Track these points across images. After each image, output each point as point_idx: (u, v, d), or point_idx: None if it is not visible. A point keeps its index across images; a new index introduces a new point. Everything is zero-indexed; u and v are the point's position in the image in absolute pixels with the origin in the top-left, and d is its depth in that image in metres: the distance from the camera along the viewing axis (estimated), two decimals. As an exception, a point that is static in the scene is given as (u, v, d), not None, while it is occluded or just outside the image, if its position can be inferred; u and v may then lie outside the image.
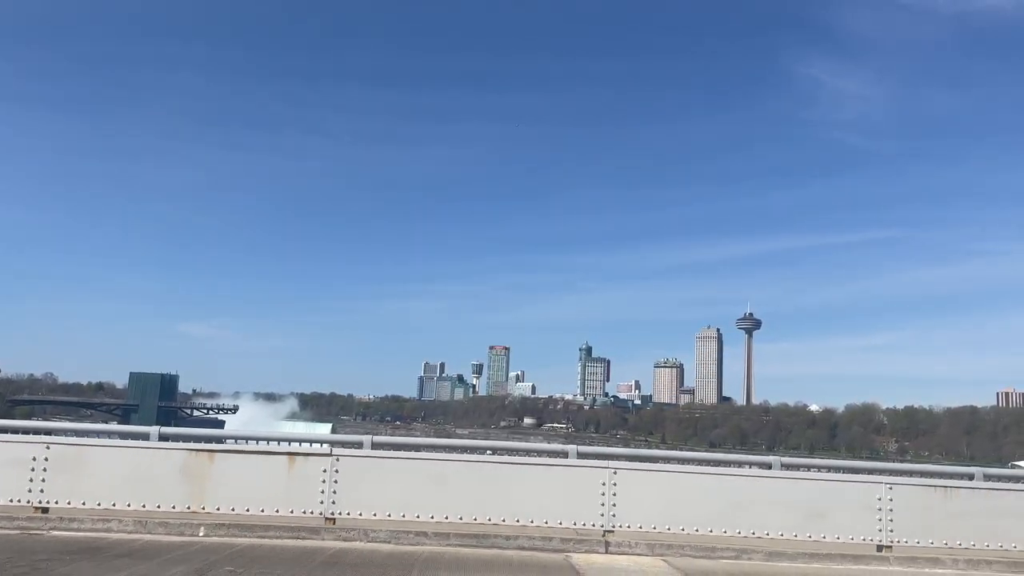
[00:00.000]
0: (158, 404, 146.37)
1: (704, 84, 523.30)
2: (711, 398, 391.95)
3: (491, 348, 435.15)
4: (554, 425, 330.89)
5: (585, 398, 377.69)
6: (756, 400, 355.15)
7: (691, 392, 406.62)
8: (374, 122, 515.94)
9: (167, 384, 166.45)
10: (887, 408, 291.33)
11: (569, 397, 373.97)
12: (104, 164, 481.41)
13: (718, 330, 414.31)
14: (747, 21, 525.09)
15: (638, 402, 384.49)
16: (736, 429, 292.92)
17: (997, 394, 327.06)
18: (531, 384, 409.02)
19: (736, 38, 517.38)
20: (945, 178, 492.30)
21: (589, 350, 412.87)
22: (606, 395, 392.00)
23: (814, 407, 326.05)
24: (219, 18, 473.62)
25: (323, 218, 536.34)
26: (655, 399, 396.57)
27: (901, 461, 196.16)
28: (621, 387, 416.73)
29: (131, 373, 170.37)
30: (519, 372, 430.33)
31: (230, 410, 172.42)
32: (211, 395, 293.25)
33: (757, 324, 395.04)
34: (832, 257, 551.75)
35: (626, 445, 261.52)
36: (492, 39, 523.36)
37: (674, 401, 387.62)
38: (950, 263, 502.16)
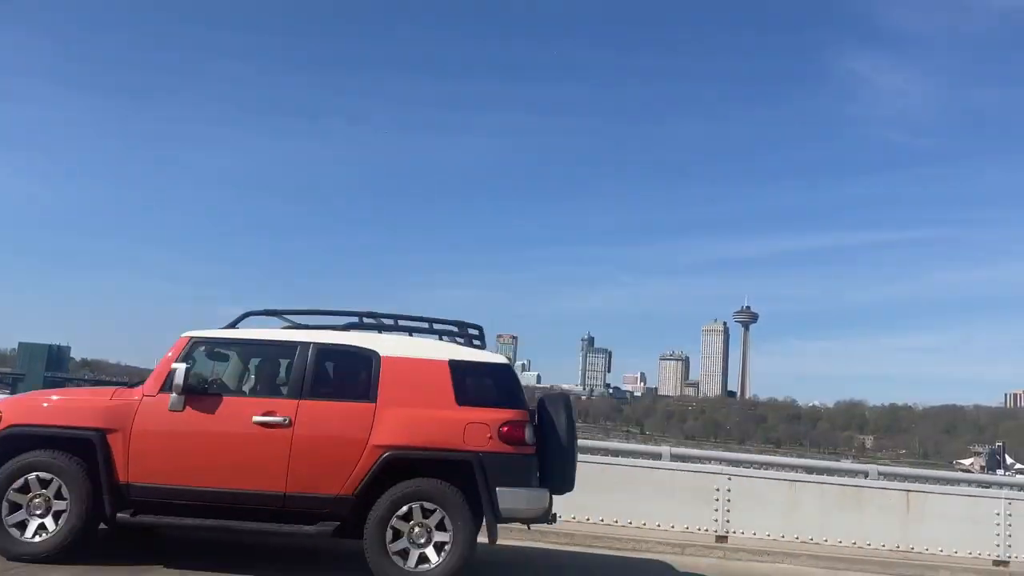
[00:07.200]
0: (44, 374, 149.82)
1: (740, 79, 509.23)
2: (716, 391, 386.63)
3: (499, 336, 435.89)
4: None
5: (584, 388, 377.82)
6: (754, 394, 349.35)
7: (696, 385, 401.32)
8: (411, 111, 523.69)
9: (55, 355, 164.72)
10: (873, 406, 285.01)
11: (568, 387, 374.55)
12: (151, 149, 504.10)
13: (724, 323, 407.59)
14: (788, 14, 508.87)
15: (638, 394, 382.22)
16: (710, 421, 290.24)
17: (1005, 395, 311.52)
18: (536, 373, 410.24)
19: (776, 32, 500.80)
20: (991, 178, 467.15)
21: (591, 340, 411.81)
22: (607, 386, 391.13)
23: (815, 403, 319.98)
24: (263, 5, 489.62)
25: (356, 207, 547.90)
26: (660, 392, 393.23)
27: (858, 459, 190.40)
28: (627, 379, 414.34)
29: (20, 343, 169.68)
30: (525, 361, 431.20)
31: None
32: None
33: (754, 318, 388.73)
34: (868, 255, 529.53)
35: (606, 435, 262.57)
36: (532, 30, 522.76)
37: (678, 394, 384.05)
38: (993, 264, 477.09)
